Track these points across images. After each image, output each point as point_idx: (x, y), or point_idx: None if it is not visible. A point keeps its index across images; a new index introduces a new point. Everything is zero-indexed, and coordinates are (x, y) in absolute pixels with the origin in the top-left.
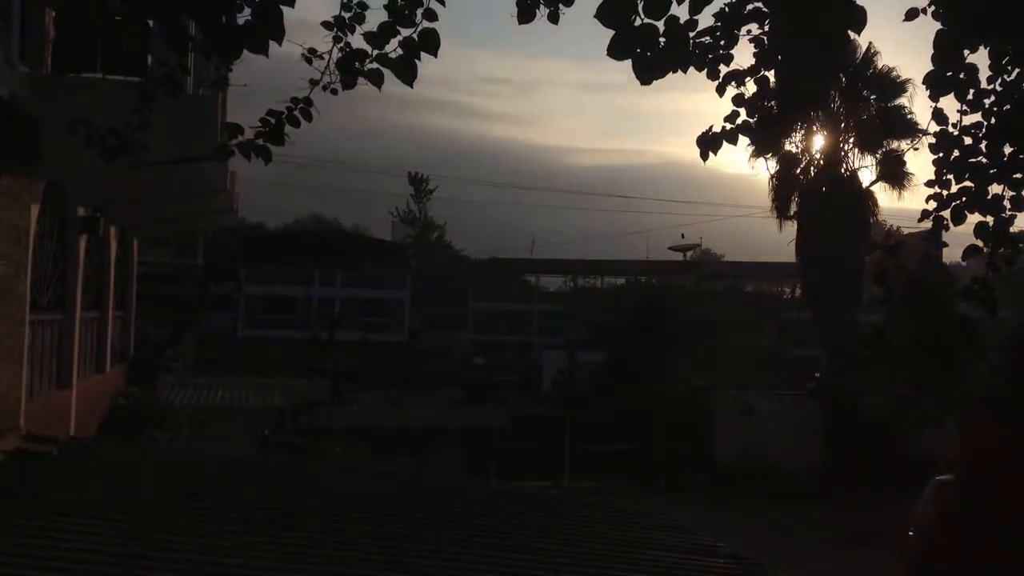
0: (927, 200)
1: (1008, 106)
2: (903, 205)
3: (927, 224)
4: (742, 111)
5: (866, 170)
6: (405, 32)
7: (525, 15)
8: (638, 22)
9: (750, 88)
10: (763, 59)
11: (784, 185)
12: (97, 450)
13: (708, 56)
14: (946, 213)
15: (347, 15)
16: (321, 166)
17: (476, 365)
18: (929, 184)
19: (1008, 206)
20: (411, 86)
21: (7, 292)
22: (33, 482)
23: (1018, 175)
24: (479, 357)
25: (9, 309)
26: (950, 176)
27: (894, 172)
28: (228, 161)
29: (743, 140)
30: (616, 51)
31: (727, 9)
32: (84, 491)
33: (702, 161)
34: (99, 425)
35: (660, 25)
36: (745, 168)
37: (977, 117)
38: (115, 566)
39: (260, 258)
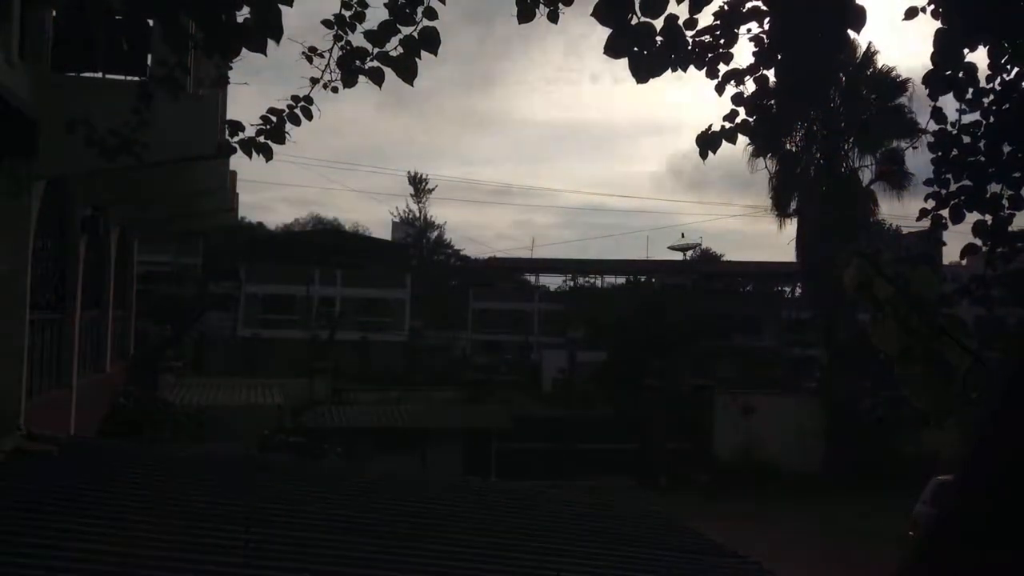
0: (926, 199)
1: (1007, 105)
2: (903, 205)
3: (926, 223)
4: (741, 110)
5: (866, 170)
6: (406, 30)
7: (525, 15)
8: (635, 20)
9: (749, 87)
10: (762, 58)
11: (784, 185)
12: (97, 450)
13: (708, 55)
14: (945, 212)
15: (347, 13)
16: (321, 166)
17: (478, 364)
18: (928, 183)
19: (1006, 205)
20: (411, 84)
21: (7, 292)
22: (33, 482)
23: (1017, 174)
24: (482, 356)
25: (9, 309)
26: (949, 175)
27: (893, 171)
28: (228, 160)
29: (742, 139)
30: (612, 50)
31: (726, 7)
32: (84, 491)
33: (701, 160)
34: (99, 425)
35: (658, 23)
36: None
37: (976, 116)
38: (115, 566)
39: (260, 258)
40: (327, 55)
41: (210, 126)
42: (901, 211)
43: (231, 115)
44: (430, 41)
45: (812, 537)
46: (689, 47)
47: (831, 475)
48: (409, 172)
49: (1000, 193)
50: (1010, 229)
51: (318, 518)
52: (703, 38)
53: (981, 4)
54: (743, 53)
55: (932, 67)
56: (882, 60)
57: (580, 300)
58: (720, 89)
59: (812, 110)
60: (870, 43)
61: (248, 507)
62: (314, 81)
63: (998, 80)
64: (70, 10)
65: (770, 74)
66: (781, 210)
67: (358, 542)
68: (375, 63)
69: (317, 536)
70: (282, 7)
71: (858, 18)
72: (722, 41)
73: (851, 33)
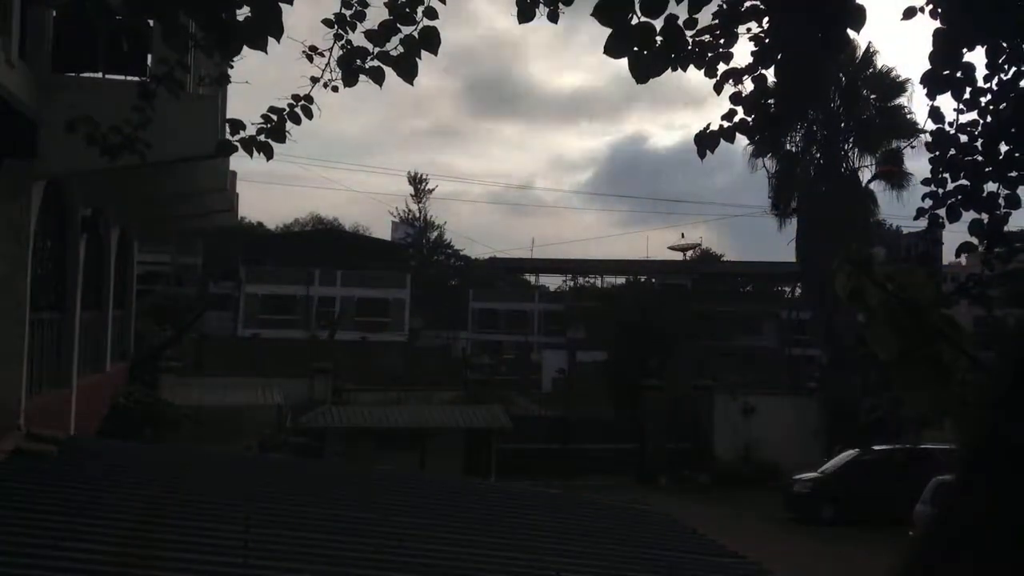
0: (923, 198)
1: (1004, 105)
2: (903, 204)
3: (924, 222)
4: (739, 109)
5: (866, 170)
6: (406, 30)
7: (525, 14)
8: (635, 20)
9: (748, 86)
10: (761, 58)
11: (784, 185)
12: (97, 450)
13: (707, 55)
14: (942, 211)
15: (348, 12)
16: (321, 165)
17: (480, 364)
18: (926, 182)
19: (1003, 204)
20: (411, 84)
21: (7, 292)
22: (33, 482)
23: (1013, 173)
24: (484, 355)
25: (9, 309)
26: (946, 174)
27: (893, 171)
28: (228, 160)
29: (741, 138)
30: (613, 50)
31: (725, 7)
32: (84, 491)
33: (700, 159)
34: (99, 425)
35: (658, 23)
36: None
37: (974, 116)
38: (115, 566)
39: (260, 258)
40: (327, 54)
41: (211, 125)
42: (901, 211)
43: (231, 113)
44: (430, 40)
45: (812, 536)
46: (689, 47)
47: None
48: (409, 172)
49: (997, 192)
50: (1006, 229)
51: (318, 518)
52: (703, 38)
53: (980, 4)
54: (742, 53)
55: (931, 67)
56: (882, 60)
57: (580, 300)
58: (719, 88)
59: (812, 110)
60: (870, 43)
61: (248, 507)
62: (314, 80)
63: (995, 80)
64: (70, 10)
65: (769, 74)
66: (781, 210)
67: (358, 542)
68: (375, 62)
69: (317, 536)
70: (283, 5)
71: (858, 18)
72: (722, 41)
73: (851, 33)
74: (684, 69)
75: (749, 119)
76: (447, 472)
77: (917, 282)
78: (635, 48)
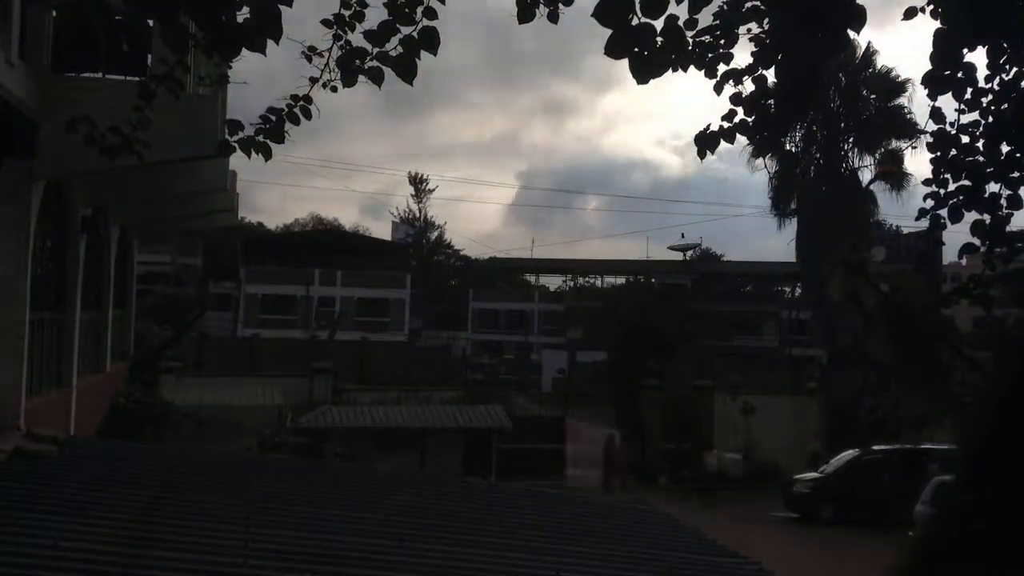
0: (925, 199)
1: (1005, 105)
2: (903, 204)
3: (925, 223)
4: (739, 110)
5: (866, 170)
6: (405, 30)
7: (525, 14)
8: (636, 21)
9: (748, 87)
10: (761, 58)
11: (784, 185)
12: (97, 450)
13: (707, 55)
14: (943, 212)
15: (347, 13)
16: (321, 166)
17: (480, 364)
18: (927, 183)
19: (1004, 204)
20: (411, 84)
21: (7, 292)
22: (33, 482)
23: (1015, 173)
24: (485, 355)
25: (9, 309)
26: (947, 175)
27: (893, 172)
28: (228, 160)
29: (741, 139)
30: (613, 50)
31: (725, 7)
32: (84, 491)
33: (699, 159)
34: (99, 425)
35: (659, 23)
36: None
37: (975, 116)
38: (115, 566)
39: (260, 258)
40: (327, 55)
41: (210, 125)
42: (901, 211)
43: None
44: (430, 41)
45: (812, 536)
46: (689, 47)
47: None
48: (409, 172)
49: (998, 193)
50: (1008, 229)
51: (318, 518)
52: (703, 38)
53: (981, 4)
54: (743, 53)
55: (931, 67)
56: (882, 60)
57: (580, 300)
58: (719, 88)
59: (812, 110)
60: (870, 43)
61: (248, 507)
62: (313, 81)
63: (997, 80)
64: (70, 10)
65: (769, 74)
66: (781, 210)
67: (358, 542)
68: (375, 63)
69: (317, 536)
70: (281, 7)
71: (858, 18)
72: (722, 41)
73: (851, 33)
74: (684, 69)
75: (749, 120)
76: (447, 472)
77: (912, 284)
78: (635, 49)
